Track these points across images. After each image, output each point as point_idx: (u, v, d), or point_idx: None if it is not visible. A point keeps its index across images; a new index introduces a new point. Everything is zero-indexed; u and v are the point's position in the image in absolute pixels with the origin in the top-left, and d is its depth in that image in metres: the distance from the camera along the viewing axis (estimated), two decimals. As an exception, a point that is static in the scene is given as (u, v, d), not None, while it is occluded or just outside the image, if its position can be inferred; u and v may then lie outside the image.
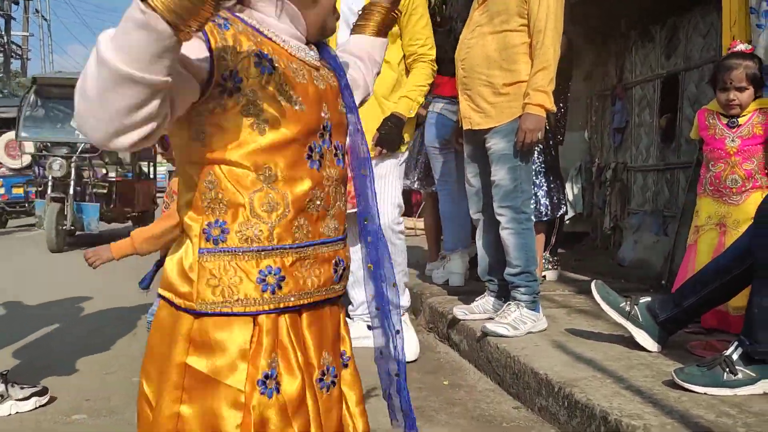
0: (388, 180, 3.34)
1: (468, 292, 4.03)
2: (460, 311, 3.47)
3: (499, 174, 3.14)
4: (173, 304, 1.03)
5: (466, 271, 4.50)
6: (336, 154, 1.12)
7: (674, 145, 5.45)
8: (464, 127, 3.34)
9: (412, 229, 7.59)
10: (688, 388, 2.28)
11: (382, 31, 1.39)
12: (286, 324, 1.04)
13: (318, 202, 1.07)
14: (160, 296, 1.06)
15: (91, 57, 0.83)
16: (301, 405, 1.04)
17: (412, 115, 3.34)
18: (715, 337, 2.99)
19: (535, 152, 3.42)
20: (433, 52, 3.43)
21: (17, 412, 2.69)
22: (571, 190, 6.54)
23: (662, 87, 5.71)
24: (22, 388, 2.75)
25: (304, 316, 1.08)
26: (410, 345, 3.24)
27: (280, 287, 1.02)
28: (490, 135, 3.18)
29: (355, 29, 1.40)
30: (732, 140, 3.09)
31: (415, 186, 5.06)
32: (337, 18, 1.19)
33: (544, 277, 4.51)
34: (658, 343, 2.79)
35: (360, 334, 2.94)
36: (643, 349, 2.78)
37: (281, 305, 1.03)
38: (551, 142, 4.17)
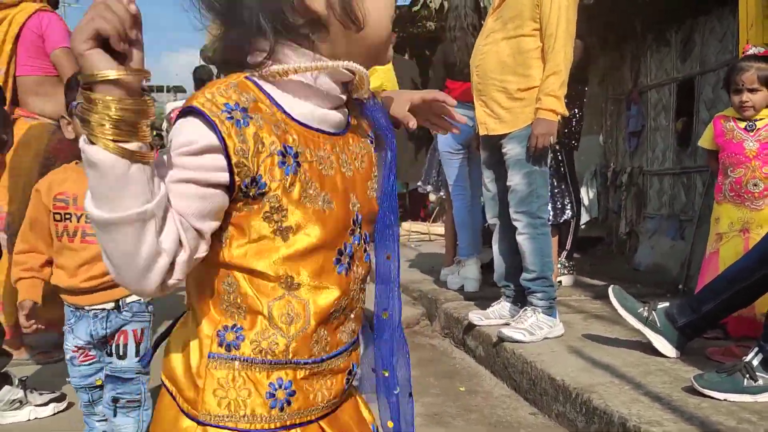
0: None
1: (483, 298, 4.02)
2: (475, 317, 3.46)
3: (515, 179, 3.14)
4: (176, 401, 0.96)
5: (481, 277, 4.49)
6: (365, 249, 1.01)
7: (690, 149, 5.41)
8: (480, 133, 3.35)
9: (426, 234, 7.58)
10: (708, 395, 2.26)
11: None
12: None
13: (342, 310, 0.97)
14: (163, 383, 0.98)
15: None
16: None
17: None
18: (734, 342, 2.96)
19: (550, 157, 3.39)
20: None
21: (36, 418, 2.72)
22: (586, 195, 6.51)
23: (678, 91, 5.68)
24: (41, 394, 2.77)
25: (319, 422, 0.99)
26: None
27: (289, 403, 0.94)
28: (505, 140, 3.18)
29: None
30: (751, 144, 3.07)
31: (429, 190, 5.06)
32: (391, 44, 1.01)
33: (560, 282, 4.49)
34: (677, 348, 2.76)
35: None
36: (661, 354, 2.76)
37: (288, 423, 0.94)
38: (557, 147, 4.16)
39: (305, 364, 0.94)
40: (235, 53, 0.92)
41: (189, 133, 0.84)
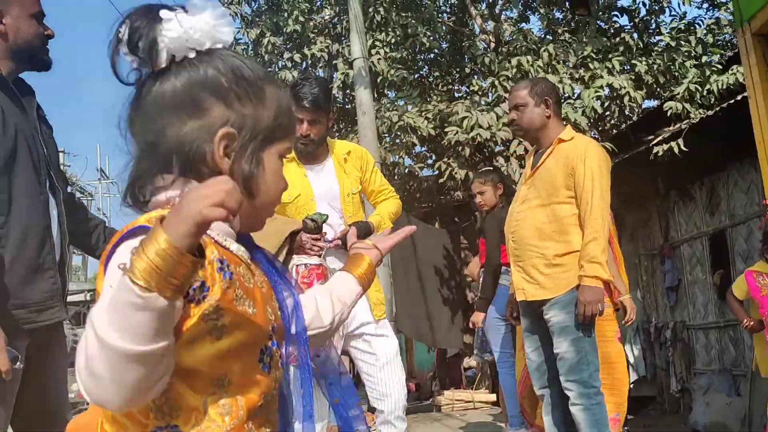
0: (396, 364, 3.12)
1: (540, 471, 3.85)
2: (535, 493, 3.31)
3: (562, 347, 3.10)
4: None
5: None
6: (281, 356, 1.09)
7: (732, 301, 5.36)
8: (518, 299, 3.35)
9: (471, 401, 7.38)
10: None
11: (365, 279, 1.38)
12: None
13: (266, 407, 1.04)
14: None
15: (90, 338, 0.82)
16: None
17: (377, 232, 3.10)
18: None
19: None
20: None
21: None
22: (631, 353, 6.38)
23: (710, 243, 5.72)
24: None
25: None
26: None
27: None
28: (547, 307, 3.17)
29: (343, 267, 1.41)
30: None
31: (487, 358, 4.99)
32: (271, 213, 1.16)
33: (617, 448, 4.30)
34: None
35: None
36: None
37: None
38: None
39: None
40: (142, 180, 1.04)
41: None
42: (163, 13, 1.01)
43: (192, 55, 1.03)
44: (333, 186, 3.15)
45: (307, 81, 3.18)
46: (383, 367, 3.08)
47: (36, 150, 2.22)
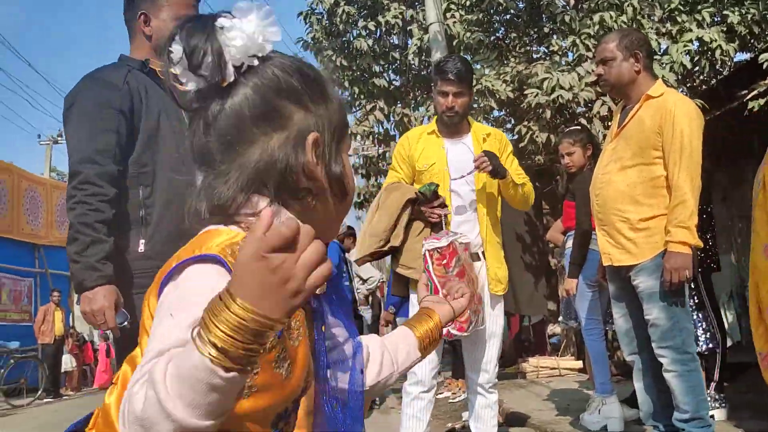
0: (497, 339, 3.26)
1: (630, 438, 3.77)
2: (626, 461, 3.24)
3: (653, 313, 3.00)
4: None
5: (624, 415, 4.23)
6: (293, 420, 1.01)
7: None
8: (604, 263, 3.26)
9: (556, 368, 7.29)
10: None
11: (427, 341, 1.27)
12: None
13: None
14: None
15: (151, 401, 0.74)
16: None
17: (508, 180, 3.20)
18: None
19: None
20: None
21: None
22: (725, 318, 6.14)
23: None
24: None
25: None
26: None
27: None
28: (634, 273, 3.07)
29: (408, 321, 1.31)
30: None
31: (573, 325, 4.90)
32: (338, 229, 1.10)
33: (712, 416, 4.16)
34: None
35: None
36: None
37: None
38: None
39: None
40: (230, 206, 0.95)
41: (213, 278, 0.84)
42: (222, 22, 0.93)
43: (255, 62, 0.95)
44: (467, 160, 3.23)
45: (451, 57, 3.48)
46: (487, 341, 3.11)
47: (181, 131, 2.36)
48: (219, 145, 0.96)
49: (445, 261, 2.86)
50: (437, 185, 3.07)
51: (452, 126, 3.29)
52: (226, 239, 0.90)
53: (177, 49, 0.93)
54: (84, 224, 2.12)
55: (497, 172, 3.07)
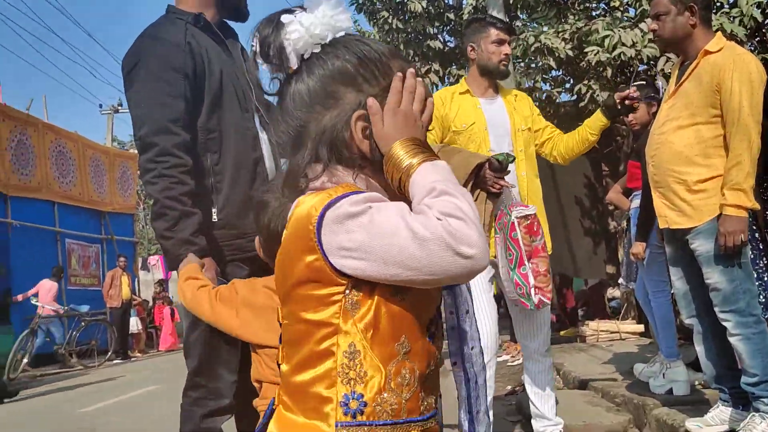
0: (547, 308, 3.16)
1: (696, 402, 3.71)
2: (693, 424, 3.18)
3: (714, 277, 2.91)
4: None
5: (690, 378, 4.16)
6: (440, 326, 1.15)
7: None
8: (660, 226, 3.17)
9: (616, 332, 7.20)
10: None
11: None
12: None
13: (432, 375, 1.09)
14: None
15: (465, 210, 0.98)
16: None
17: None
18: None
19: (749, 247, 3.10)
20: None
21: None
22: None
23: None
24: None
25: None
26: None
27: None
28: (691, 236, 2.98)
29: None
30: None
31: (632, 287, 4.80)
32: None
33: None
34: None
35: None
36: None
37: None
38: (758, 235, 3.81)
39: (417, 421, 1.04)
40: (295, 174, 1.12)
41: (367, 195, 1.03)
42: (284, 18, 1.10)
43: (317, 49, 1.11)
44: (505, 119, 3.26)
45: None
46: (536, 310, 3.08)
47: (241, 88, 2.33)
48: (286, 123, 1.14)
49: (534, 229, 2.84)
50: (514, 157, 3.00)
51: (504, 76, 3.35)
52: (346, 184, 1.07)
53: (255, 41, 1.13)
54: (170, 198, 2.08)
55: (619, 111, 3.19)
